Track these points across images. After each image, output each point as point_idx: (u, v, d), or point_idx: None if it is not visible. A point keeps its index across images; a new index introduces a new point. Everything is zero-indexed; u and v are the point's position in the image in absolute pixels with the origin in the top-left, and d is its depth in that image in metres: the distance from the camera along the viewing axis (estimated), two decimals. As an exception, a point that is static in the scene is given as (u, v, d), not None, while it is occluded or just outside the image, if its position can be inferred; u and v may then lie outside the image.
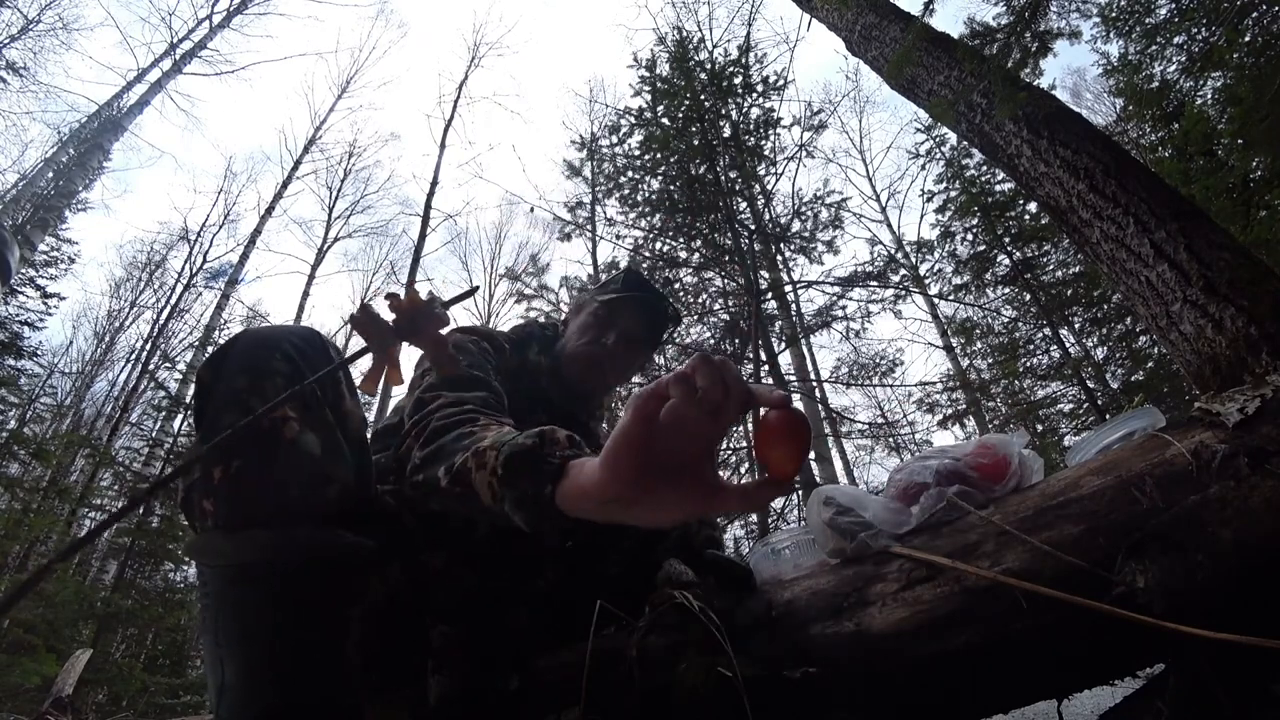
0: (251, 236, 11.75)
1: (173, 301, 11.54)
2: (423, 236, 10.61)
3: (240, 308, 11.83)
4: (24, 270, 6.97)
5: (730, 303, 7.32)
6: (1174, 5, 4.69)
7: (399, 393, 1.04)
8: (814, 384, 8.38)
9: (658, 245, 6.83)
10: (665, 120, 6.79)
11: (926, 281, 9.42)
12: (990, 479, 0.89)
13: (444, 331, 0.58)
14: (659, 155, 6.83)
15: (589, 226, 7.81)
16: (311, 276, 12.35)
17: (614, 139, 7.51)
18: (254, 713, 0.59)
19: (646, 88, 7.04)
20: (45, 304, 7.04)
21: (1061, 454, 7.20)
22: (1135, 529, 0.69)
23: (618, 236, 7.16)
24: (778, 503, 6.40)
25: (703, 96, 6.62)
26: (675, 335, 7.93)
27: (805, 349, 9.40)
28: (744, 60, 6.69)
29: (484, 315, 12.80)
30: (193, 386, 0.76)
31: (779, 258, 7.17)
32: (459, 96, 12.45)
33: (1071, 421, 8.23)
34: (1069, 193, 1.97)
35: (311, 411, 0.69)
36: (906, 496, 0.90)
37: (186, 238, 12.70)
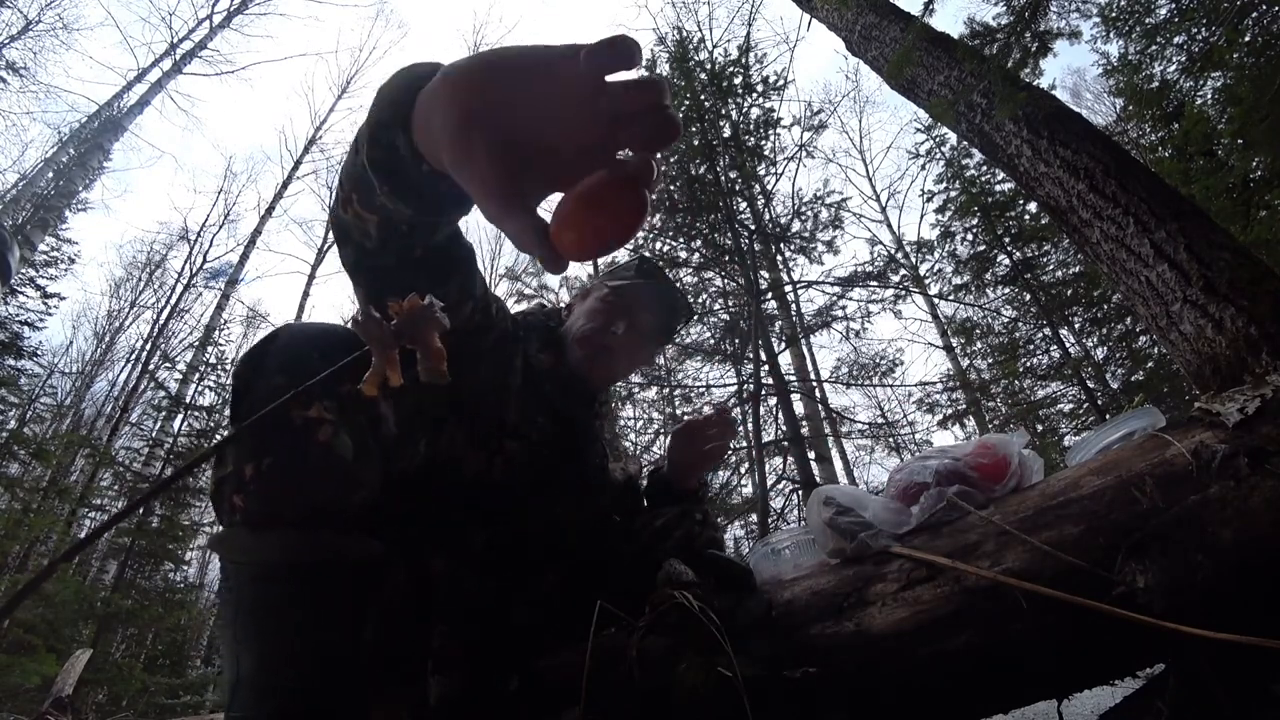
0: (251, 236, 11.77)
1: (173, 301, 11.56)
2: (423, 236, 10.57)
3: (240, 308, 11.85)
4: (24, 270, 6.97)
5: (730, 303, 7.33)
6: (1174, 5, 4.69)
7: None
8: (814, 384, 8.38)
9: (658, 245, 6.82)
10: (665, 120, 6.77)
11: (926, 281, 9.42)
12: (990, 479, 0.89)
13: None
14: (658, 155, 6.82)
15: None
16: (312, 276, 12.36)
17: (614, 139, 7.49)
18: (266, 710, 0.60)
19: (646, 88, 7.02)
20: (45, 304, 7.04)
21: (1061, 454, 7.20)
22: (1135, 529, 0.69)
23: (618, 236, 7.14)
24: (777, 503, 6.41)
25: (703, 96, 6.62)
26: (675, 336, 7.93)
27: (805, 349, 9.40)
28: (744, 60, 6.69)
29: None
30: (230, 381, 0.75)
31: (779, 258, 7.17)
32: (459, 96, 12.41)
33: (1071, 421, 8.24)
34: (1069, 193, 1.97)
35: (348, 413, 0.68)
36: (906, 496, 0.90)
37: (186, 238, 12.73)
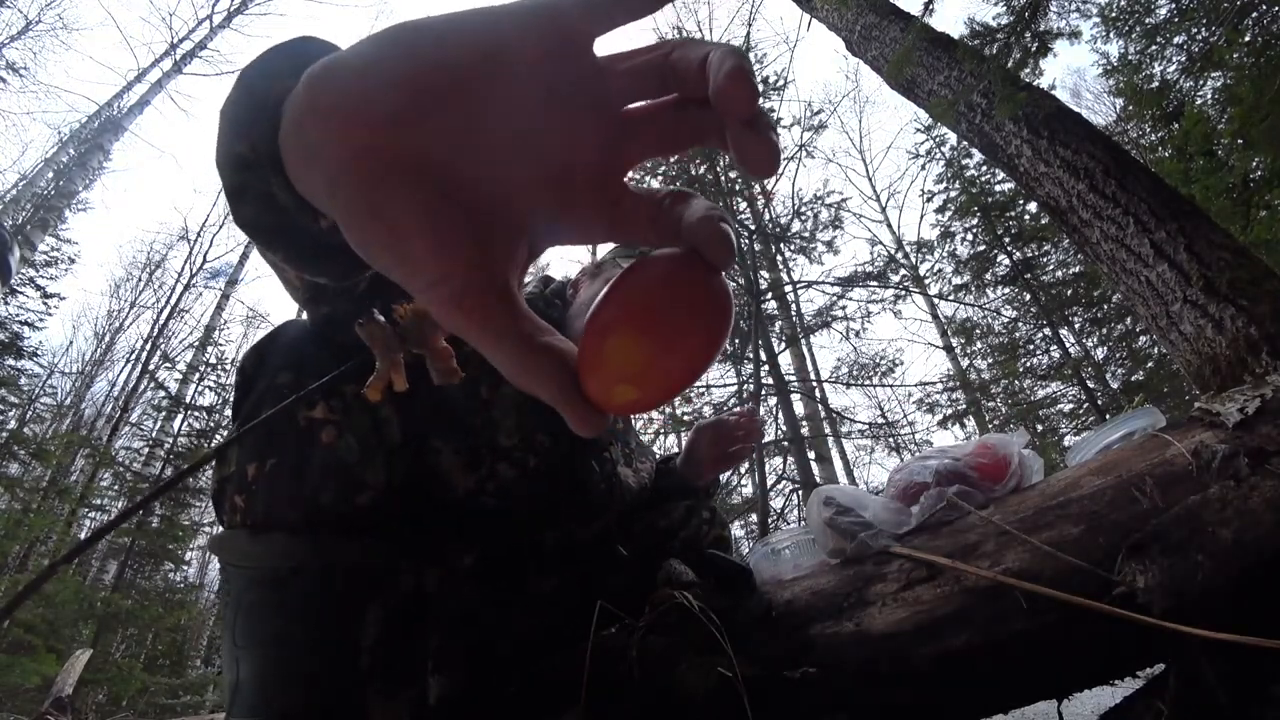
0: (251, 236, 11.73)
1: (173, 301, 11.55)
2: (423, 236, 10.58)
3: (240, 308, 11.86)
4: (24, 270, 6.97)
5: (730, 303, 7.32)
6: (1174, 5, 4.69)
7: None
8: (814, 384, 8.39)
9: (658, 245, 6.81)
10: (665, 120, 6.78)
11: (926, 281, 9.43)
12: (990, 479, 0.89)
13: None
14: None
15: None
16: (311, 276, 12.31)
17: (614, 139, 7.50)
18: (265, 715, 0.59)
19: (646, 88, 7.04)
20: (45, 304, 7.05)
21: (1061, 454, 7.20)
22: (1135, 529, 0.69)
23: (618, 236, 7.15)
24: (777, 503, 6.41)
25: (703, 96, 6.61)
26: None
27: (805, 349, 9.40)
28: (744, 60, 6.68)
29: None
30: (234, 375, 0.74)
31: (779, 258, 7.18)
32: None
33: (1071, 421, 8.24)
34: (1069, 193, 1.97)
35: (352, 415, 0.67)
36: (906, 496, 0.90)
37: (186, 238, 12.73)
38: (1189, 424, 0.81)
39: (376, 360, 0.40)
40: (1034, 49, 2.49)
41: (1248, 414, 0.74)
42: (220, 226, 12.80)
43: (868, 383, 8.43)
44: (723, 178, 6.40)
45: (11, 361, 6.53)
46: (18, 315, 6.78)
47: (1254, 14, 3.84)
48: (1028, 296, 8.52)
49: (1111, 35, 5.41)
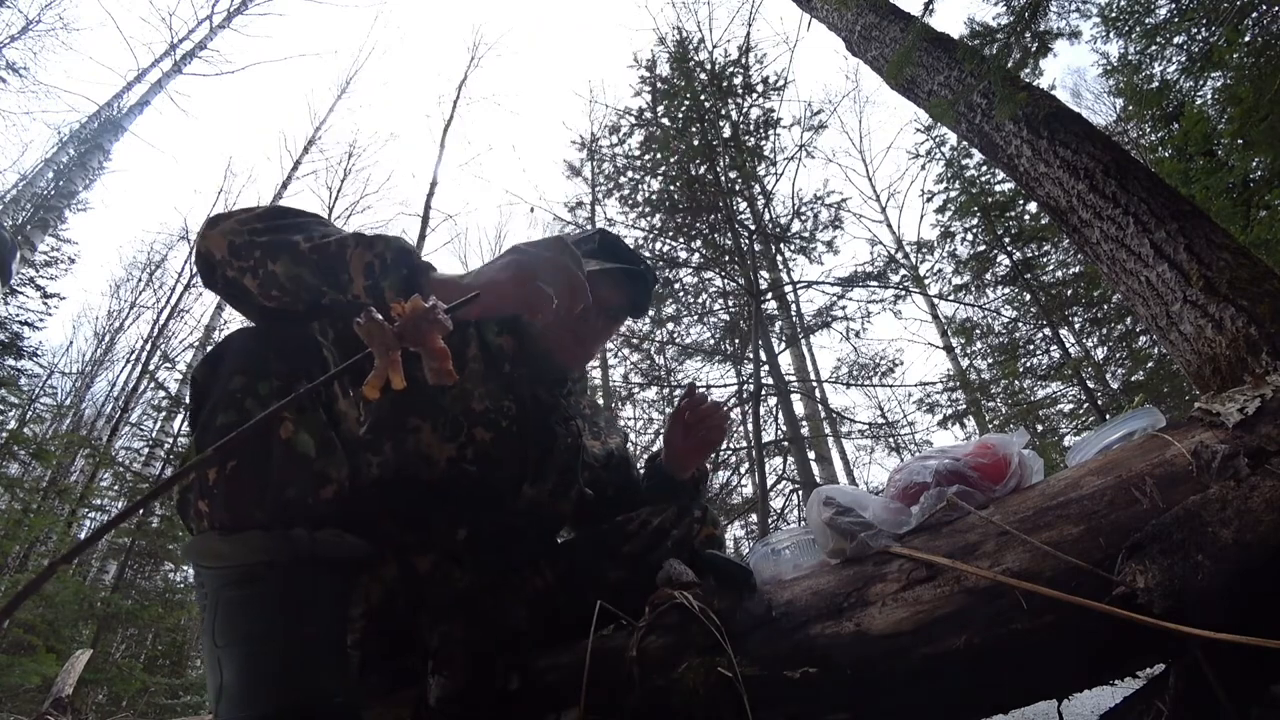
0: (251, 236, 11.71)
1: (172, 302, 11.53)
2: (422, 237, 10.59)
3: (240, 308, 11.82)
4: (24, 270, 6.97)
5: (730, 303, 7.33)
6: (1174, 5, 4.69)
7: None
8: (814, 384, 8.39)
9: (658, 245, 6.83)
10: (665, 120, 6.79)
11: (926, 281, 9.43)
12: (990, 479, 0.89)
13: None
14: (659, 155, 6.84)
15: (589, 226, 7.81)
16: (311, 276, 12.29)
17: (614, 139, 7.51)
18: (252, 714, 0.59)
19: (646, 88, 7.05)
20: (45, 304, 7.04)
21: (1061, 454, 7.20)
22: (1135, 529, 0.69)
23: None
24: (777, 503, 6.41)
25: (703, 96, 6.62)
26: (675, 336, 7.93)
27: (805, 349, 9.40)
28: (744, 60, 6.69)
29: (484, 315, 12.76)
30: (188, 387, 0.75)
31: (779, 258, 7.18)
32: (458, 97, 12.42)
33: (1071, 421, 8.24)
34: (1069, 193, 1.97)
35: (305, 412, 0.69)
36: (906, 496, 0.90)
37: (186, 238, 12.70)
38: (1189, 424, 0.81)
39: (375, 359, 0.40)
40: (1034, 49, 2.49)
41: (1248, 414, 0.74)
42: (220, 227, 12.76)
43: (868, 383, 8.42)
44: (723, 178, 6.40)
45: (11, 361, 6.52)
46: (18, 315, 6.78)
47: (1254, 14, 3.84)
48: (1028, 296, 8.52)
49: (1111, 35, 5.41)
